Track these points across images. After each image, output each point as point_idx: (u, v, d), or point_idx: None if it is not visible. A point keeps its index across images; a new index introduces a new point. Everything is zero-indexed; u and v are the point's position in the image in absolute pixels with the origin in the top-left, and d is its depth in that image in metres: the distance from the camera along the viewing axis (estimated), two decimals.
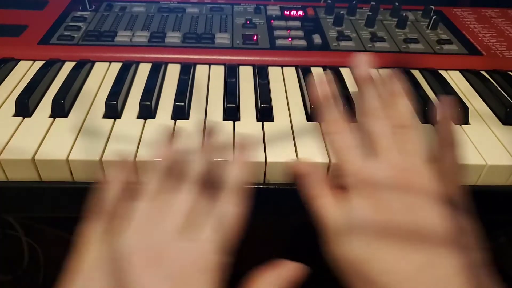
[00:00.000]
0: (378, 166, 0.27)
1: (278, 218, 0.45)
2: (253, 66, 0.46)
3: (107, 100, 0.38)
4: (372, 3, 0.56)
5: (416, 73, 0.46)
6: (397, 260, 0.24)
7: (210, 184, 0.28)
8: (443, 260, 0.24)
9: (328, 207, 0.28)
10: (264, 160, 0.33)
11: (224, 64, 0.46)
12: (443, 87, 0.43)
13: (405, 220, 0.25)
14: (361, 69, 0.32)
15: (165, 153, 0.30)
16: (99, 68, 0.44)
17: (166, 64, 0.45)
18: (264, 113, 0.38)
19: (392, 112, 0.30)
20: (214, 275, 0.24)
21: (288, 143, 0.35)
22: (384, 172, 0.27)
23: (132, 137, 0.35)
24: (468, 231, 0.25)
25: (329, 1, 0.56)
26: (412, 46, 0.50)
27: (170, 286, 0.23)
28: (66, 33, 0.49)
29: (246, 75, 0.44)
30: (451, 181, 0.27)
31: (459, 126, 0.39)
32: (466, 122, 0.39)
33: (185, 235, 0.25)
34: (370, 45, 0.50)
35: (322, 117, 0.31)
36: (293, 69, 0.46)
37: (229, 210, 0.27)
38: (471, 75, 0.46)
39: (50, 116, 0.37)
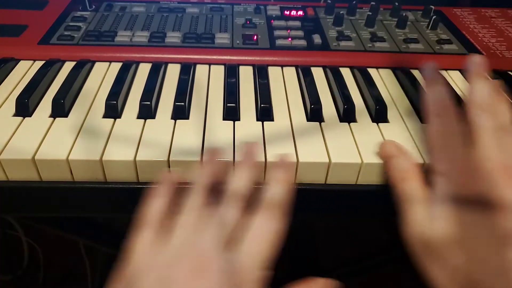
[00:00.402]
0: (477, 155, 0.27)
1: None
2: (253, 66, 0.46)
3: (107, 100, 0.38)
4: (372, 3, 0.56)
5: (416, 73, 0.46)
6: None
7: (253, 200, 0.28)
8: None
9: (415, 190, 0.29)
10: (264, 160, 0.33)
11: (224, 64, 0.46)
12: None
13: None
14: (475, 67, 0.33)
15: (209, 170, 0.30)
16: (99, 68, 0.45)
17: (166, 64, 0.45)
18: (264, 113, 0.38)
19: (497, 111, 0.30)
20: None
21: (288, 143, 0.35)
22: (482, 163, 0.27)
23: (132, 137, 0.35)
24: None
25: (329, 1, 0.56)
26: (412, 46, 0.50)
27: None
28: (66, 33, 0.49)
29: (246, 75, 0.44)
30: None
31: None
32: None
33: (229, 248, 0.25)
34: (370, 45, 0.50)
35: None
36: (293, 69, 0.46)
37: (271, 226, 0.27)
38: None
39: (50, 116, 0.37)
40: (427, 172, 0.30)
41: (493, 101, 0.30)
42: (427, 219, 0.28)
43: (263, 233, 0.26)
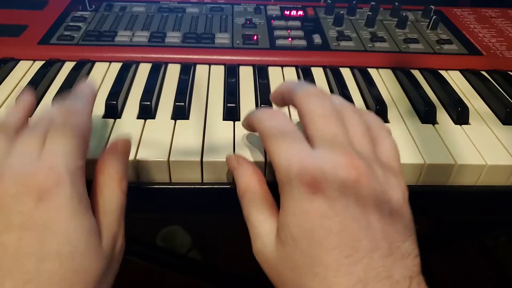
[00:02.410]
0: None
1: None
2: (253, 66, 0.46)
3: (107, 100, 0.38)
4: (372, 3, 0.56)
5: (416, 73, 0.46)
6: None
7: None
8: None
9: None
10: (263, 160, 0.33)
11: (224, 64, 0.46)
12: (443, 87, 0.43)
13: None
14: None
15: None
16: (99, 68, 0.45)
17: (166, 64, 0.45)
18: None
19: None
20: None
21: None
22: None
23: (132, 137, 0.35)
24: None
25: (329, 1, 0.56)
26: (412, 46, 0.50)
27: None
28: (66, 33, 0.49)
29: (246, 75, 0.44)
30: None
31: (459, 126, 0.39)
32: (466, 122, 0.39)
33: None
34: (370, 45, 0.50)
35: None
36: (293, 69, 0.46)
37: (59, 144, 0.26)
38: (471, 75, 0.46)
39: None
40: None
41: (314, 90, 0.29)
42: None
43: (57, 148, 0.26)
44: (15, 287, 0.22)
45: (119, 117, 0.37)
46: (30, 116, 0.31)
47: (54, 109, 0.29)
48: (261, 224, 0.27)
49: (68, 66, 0.44)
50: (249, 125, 0.32)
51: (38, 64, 0.44)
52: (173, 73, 0.44)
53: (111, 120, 0.37)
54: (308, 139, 0.27)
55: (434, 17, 0.54)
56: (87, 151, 0.27)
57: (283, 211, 0.25)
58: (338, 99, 0.29)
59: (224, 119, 0.38)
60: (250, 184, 0.29)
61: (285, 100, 0.31)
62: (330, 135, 0.26)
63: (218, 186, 0.34)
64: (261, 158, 0.33)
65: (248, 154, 0.33)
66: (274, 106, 0.33)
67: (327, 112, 0.27)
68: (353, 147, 0.26)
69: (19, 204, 0.23)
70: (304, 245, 0.24)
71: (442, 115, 0.40)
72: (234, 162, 0.31)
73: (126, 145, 0.30)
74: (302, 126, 0.28)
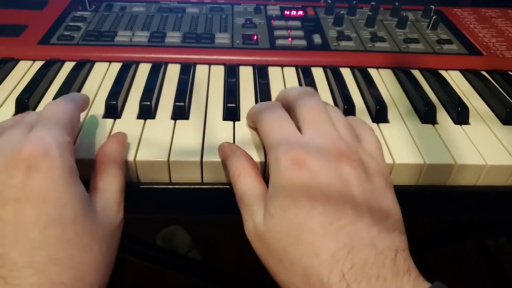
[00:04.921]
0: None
1: None
2: (253, 66, 0.46)
3: (107, 100, 0.38)
4: (372, 3, 0.56)
5: (416, 73, 0.46)
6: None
7: None
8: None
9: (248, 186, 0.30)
10: (264, 160, 0.33)
11: (224, 64, 0.46)
12: (443, 87, 0.43)
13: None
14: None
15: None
16: (99, 68, 0.44)
17: (166, 64, 0.45)
18: None
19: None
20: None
21: None
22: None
23: (132, 137, 0.35)
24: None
25: (329, 1, 0.56)
26: (412, 46, 0.50)
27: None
28: (66, 33, 0.49)
29: (246, 75, 0.44)
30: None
31: (459, 126, 0.39)
32: (466, 122, 0.39)
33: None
34: (370, 45, 0.50)
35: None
36: (293, 69, 0.46)
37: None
38: (471, 75, 0.46)
39: None
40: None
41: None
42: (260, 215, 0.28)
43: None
44: (24, 256, 0.22)
45: (119, 117, 0.37)
46: None
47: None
48: (253, 203, 0.28)
49: (68, 66, 0.44)
50: (250, 120, 0.34)
51: (38, 64, 0.44)
52: (173, 73, 0.44)
53: (111, 120, 0.37)
54: (299, 128, 0.29)
55: (434, 17, 0.54)
56: (76, 134, 0.28)
57: (272, 185, 0.27)
58: (323, 101, 0.32)
59: (224, 119, 0.38)
60: (245, 167, 0.31)
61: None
62: (317, 122, 0.29)
63: (218, 186, 0.34)
64: (261, 159, 0.33)
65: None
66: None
67: (316, 106, 0.30)
68: (339, 135, 0.28)
69: (10, 179, 0.24)
70: (292, 213, 0.25)
71: (442, 115, 0.40)
72: (227, 150, 0.32)
73: (125, 137, 0.33)
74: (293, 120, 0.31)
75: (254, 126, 0.35)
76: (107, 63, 0.45)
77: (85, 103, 0.33)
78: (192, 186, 0.34)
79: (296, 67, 0.46)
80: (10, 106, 0.38)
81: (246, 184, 0.30)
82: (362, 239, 0.24)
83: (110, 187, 0.29)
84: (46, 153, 0.24)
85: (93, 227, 0.25)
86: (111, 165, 0.30)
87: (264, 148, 0.34)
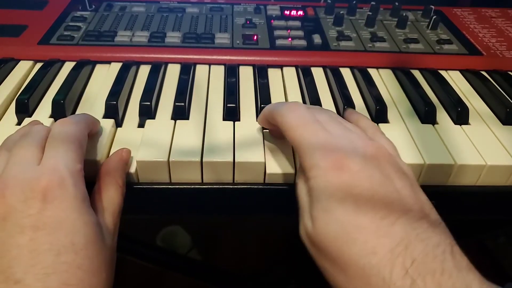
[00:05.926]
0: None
1: (277, 217, 0.45)
2: (253, 66, 0.46)
3: (107, 100, 0.38)
4: (372, 3, 0.56)
5: (416, 73, 0.46)
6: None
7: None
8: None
9: None
10: (263, 160, 0.33)
11: (224, 64, 0.46)
12: (443, 87, 0.43)
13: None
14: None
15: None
16: (99, 68, 0.45)
17: (166, 64, 0.45)
18: None
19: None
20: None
21: (288, 142, 0.35)
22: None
23: (132, 137, 0.35)
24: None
25: (329, 1, 0.56)
26: (412, 46, 0.50)
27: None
28: (66, 33, 0.49)
29: (246, 75, 0.44)
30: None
31: (459, 126, 0.39)
32: (466, 122, 0.39)
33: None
34: (370, 45, 0.50)
35: None
36: (293, 69, 0.46)
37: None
38: (471, 75, 0.46)
39: (50, 117, 0.37)
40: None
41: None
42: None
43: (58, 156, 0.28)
44: (38, 281, 0.23)
45: (119, 117, 0.37)
46: None
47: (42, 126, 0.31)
48: (303, 208, 0.28)
49: (68, 66, 0.44)
50: (268, 120, 0.33)
51: (38, 64, 0.44)
52: (173, 73, 0.44)
53: (111, 120, 0.37)
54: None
55: (434, 17, 0.54)
56: (84, 157, 0.29)
57: (313, 190, 0.26)
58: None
59: (224, 119, 0.38)
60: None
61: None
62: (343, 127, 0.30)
63: (218, 186, 0.34)
64: (261, 159, 0.33)
65: (248, 154, 0.33)
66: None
67: (329, 117, 0.31)
68: (365, 135, 0.29)
69: (27, 208, 0.25)
70: (339, 214, 0.25)
71: (442, 115, 0.40)
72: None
73: (129, 154, 0.33)
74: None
75: (269, 126, 0.34)
76: (107, 63, 0.45)
77: (94, 126, 0.34)
78: (192, 186, 0.34)
79: (296, 67, 0.46)
80: (10, 106, 0.38)
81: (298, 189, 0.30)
82: (416, 233, 0.23)
83: (107, 208, 0.30)
84: (61, 183, 0.26)
85: (101, 252, 0.26)
86: (112, 186, 0.30)
87: (265, 149, 0.34)
